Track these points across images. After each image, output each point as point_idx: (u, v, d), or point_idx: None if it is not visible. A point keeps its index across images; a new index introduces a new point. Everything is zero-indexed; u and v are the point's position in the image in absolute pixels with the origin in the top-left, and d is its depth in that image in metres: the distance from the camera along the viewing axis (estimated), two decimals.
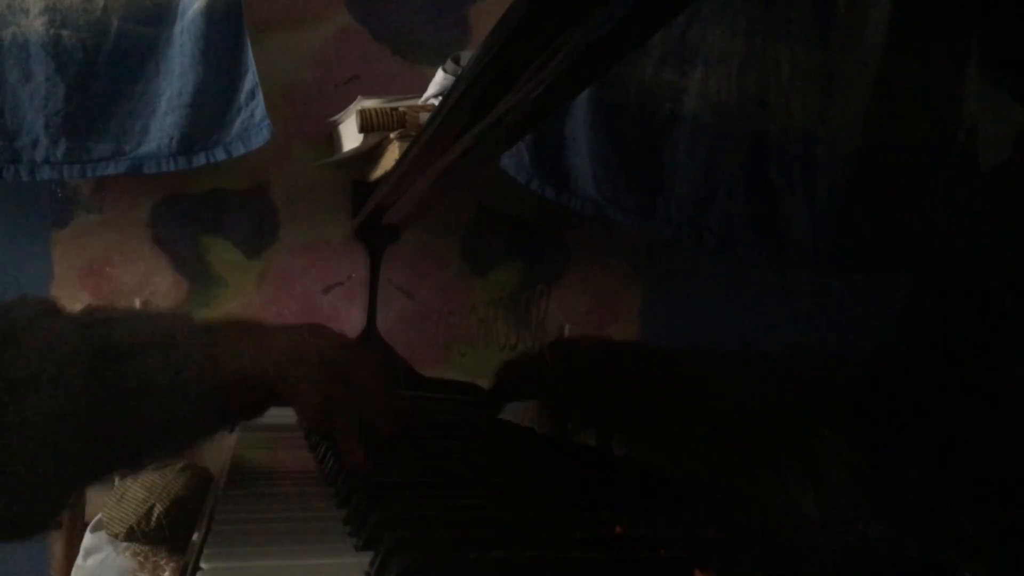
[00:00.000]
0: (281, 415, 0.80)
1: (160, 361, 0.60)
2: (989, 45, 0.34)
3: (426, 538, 0.54)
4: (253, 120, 1.60)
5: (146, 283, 1.75)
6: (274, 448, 1.03)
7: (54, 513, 0.57)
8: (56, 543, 1.63)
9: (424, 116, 1.44)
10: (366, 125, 1.49)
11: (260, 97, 1.60)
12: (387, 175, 1.38)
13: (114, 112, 1.62)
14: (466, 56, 1.43)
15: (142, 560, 1.50)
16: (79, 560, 1.55)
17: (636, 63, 0.63)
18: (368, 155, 1.63)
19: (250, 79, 1.60)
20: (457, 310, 1.05)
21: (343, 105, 1.65)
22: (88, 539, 1.56)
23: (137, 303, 1.73)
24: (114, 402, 0.58)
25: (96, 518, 1.55)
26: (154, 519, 1.45)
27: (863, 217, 0.41)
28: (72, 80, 1.59)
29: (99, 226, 1.74)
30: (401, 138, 1.45)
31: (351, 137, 1.61)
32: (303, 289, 1.79)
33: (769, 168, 0.47)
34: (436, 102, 1.44)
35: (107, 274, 1.74)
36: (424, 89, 1.51)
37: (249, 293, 1.78)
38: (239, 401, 0.66)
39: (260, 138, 1.60)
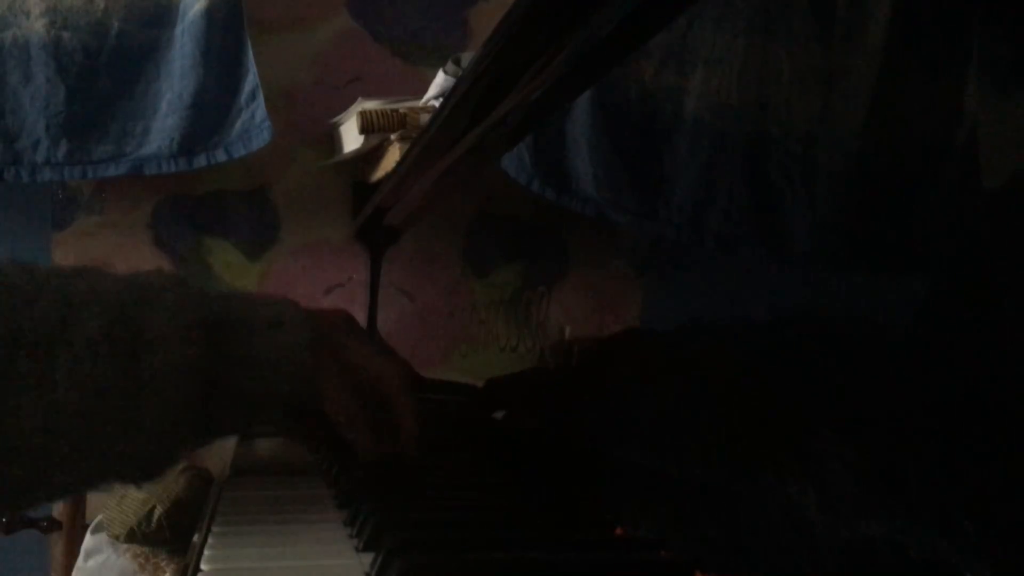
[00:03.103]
0: None
1: (267, 339, 0.65)
2: (991, 44, 0.34)
3: (426, 539, 0.54)
4: (254, 121, 1.60)
5: None
6: (274, 449, 1.03)
7: (172, 463, 0.62)
8: (57, 545, 1.63)
9: (425, 117, 1.44)
10: (367, 126, 1.48)
11: (261, 98, 1.60)
12: (388, 176, 1.38)
13: (115, 113, 1.62)
14: (467, 58, 1.43)
15: (143, 562, 1.50)
16: (80, 562, 1.55)
17: (637, 64, 0.63)
18: (369, 156, 1.63)
19: (251, 80, 1.60)
20: (458, 311, 1.05)
21: (344, 106, 1.65)
22: (89, 541, 1.56)
23: None
24: (224, 365, 0.64)
25: (97, 520, 1.55)
26: (155, 520, 1.45)
27: (864, 218, 0.41)
28: (73, 82, 1.59)
29: (100, 228, 1.74)
30: (402, 139, 1.45)
31: (352, 138, 1.61)
32: (304, 290, 1.79)
33: (770, 169, 0.47)
34: (437, 103, 1.44)
35: None
36: (425, 91, 1.51)
37: None
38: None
39: (261, 139, 1.60)
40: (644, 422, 0.60)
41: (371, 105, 1.52)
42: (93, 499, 1.57)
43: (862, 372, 0.40)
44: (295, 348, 0.66)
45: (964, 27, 0.35)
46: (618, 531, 0.58)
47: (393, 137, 1.48)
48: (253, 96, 1.60)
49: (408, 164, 1.11)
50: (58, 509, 1.58)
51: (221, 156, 1.61)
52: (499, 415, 0.89)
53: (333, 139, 1.73)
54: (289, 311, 0.68)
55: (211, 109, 1.60)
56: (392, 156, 1.48)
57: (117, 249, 1.74)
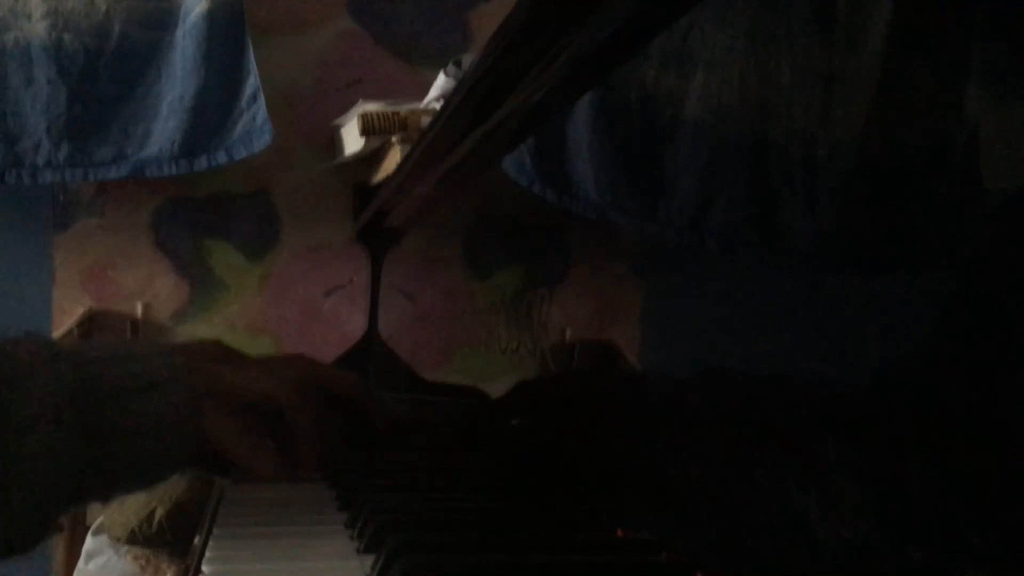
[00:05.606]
0: None
1: (143, 406, 0.63)
2: (991, 47, 0.34)
3: (428, 541, 0.54)
4: (255, 124, 1.61)
5: (148, 287, 1.75)
6: None
7: (43, 536, 0.62)
8: (58, 547, 1.63)
9: (426, 120, 1.44)
10: (368, 128, 1.49)
11: (262, 101, 1.60)
12: (389, 178, 1.38)
13: (116, 115, 1.62)
14: (468, 60, 1.44)
15: (143, 563, 1.50)
16: (80, 564, 1.55)
17: (638, 66, 0.63)
18: (370, 158, 1.63)
19: (252, 83, 1.60)
20: (459, 313, 1.05)
21: (345, 109, 1.65)
22: (89, 543, 1.56)
23: (139, 306, 1.73)
24: (100, 441, 0.62)
25: (98, 522, 1.55)
26: (155, 522, 1.45)
27: (864, 221, 0.41)
28: (74, 84, 1.59)
29: (100, 230, 1.74)
30: (403, 142, 1.45)
31: (353, 140, 1.61)
32: (304, 292, 1.79)
33: (770, 171, 0.47)
34: (438, 105, 1.44)
35: (109, 277, 1.74)
36: (426, 93, 1.51)
37: (251, 296, 1.78)
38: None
39: (262, 142, 1.60)
40: (647, 424, 0.60)
41: (372, 107, 1.52)
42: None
43: (863, 375, 0.40)
44: (176, 408, 0.64)
45: (964, 30, 0.35)
46: (619, 533, 0.59)
47: (394, 139, 1.48)
48: (254, 98, 1.60)
49: (409, 166, 1.11)
50: None
51: (222, 158, 1.61)
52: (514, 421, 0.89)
53: (334, 141, 1.73)
54: (163, 365, 0.65)
55: (212, 111, 1.60)
56: (393, 158, 1.48)
57: (118, 251, 1.74)
